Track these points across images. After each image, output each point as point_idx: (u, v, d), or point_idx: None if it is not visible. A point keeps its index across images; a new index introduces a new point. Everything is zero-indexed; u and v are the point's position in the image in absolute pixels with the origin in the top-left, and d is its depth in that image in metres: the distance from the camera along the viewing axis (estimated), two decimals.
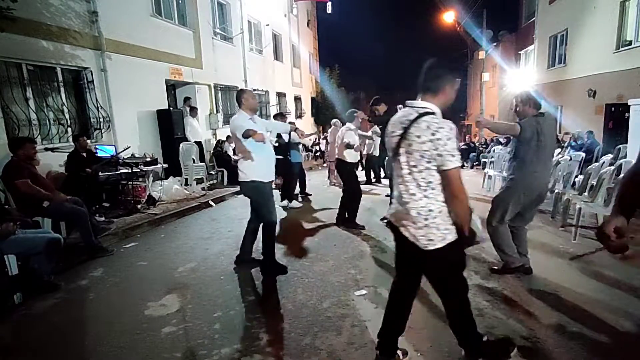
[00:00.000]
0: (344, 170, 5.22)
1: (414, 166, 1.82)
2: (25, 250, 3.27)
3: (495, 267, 3.47)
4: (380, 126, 5.70)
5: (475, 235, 1.91)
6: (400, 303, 2.21)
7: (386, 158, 7.20)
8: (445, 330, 2.56)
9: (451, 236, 1.87)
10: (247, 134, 3.26)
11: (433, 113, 1.84)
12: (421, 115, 1.80)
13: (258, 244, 3.77)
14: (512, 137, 3.27)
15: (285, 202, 6.62)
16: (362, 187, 8.50)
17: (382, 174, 9.09)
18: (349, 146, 5.05)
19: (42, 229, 3.89)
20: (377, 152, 8.59)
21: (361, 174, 10.57)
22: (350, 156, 5.14)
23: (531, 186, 3.16)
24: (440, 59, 1.94)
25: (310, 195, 7.43)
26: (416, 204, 1.85)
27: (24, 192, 3.86)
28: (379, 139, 8.48)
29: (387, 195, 7.36)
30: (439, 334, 2.52)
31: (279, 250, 4.39)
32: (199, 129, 8.98)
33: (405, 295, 2.20)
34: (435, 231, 1.85)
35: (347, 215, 5.16)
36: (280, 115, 6.84)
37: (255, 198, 3.61)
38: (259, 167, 3.47)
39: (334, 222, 5.27)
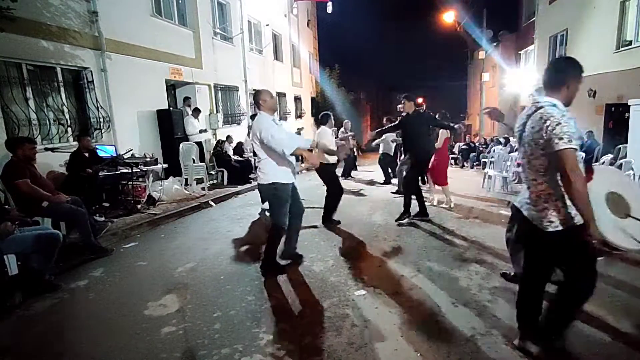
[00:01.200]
0: (323, 172, 5.24)
1: (532, 154, 2.02)
2: (24, 249, 3.26)
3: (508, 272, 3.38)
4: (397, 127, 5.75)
5: (592, 227, 1.82)
6: (535, 288, 2.28)
7: (400, 158, 7.28)
8: (445, 330, 2.57)
9: (576, 220, 1.94)
10: (296, 153, 3.36)
11: (553, 105, 1.96)
12: (538, 108, 1.98)
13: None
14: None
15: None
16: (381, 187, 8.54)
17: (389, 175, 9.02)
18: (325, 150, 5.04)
19: (41, 226, 3.89)
20: (392, 152, 8.57)
21: (363, 174, 10.60)
22: (328, 157, 5.15)
23: None
24: (561, 57, 2.10)
25: None
26: (536, 188, 2.03)
27: (24, 192, 3.86)
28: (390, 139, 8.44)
29: (392, 193, 7.35)
30: (439, 333, 2.53)
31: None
32: (199, 129, 8.97)
33: (538, 281, 2.29)
34: (555, 214, 1.97)
35: (327, 213, 5.22)
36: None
37: (271, 200, 3.60)
38: (279, 169, 3.46)
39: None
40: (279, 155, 3.37)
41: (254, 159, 7.40)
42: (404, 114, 5.21)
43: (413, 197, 5.25)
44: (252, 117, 6.80)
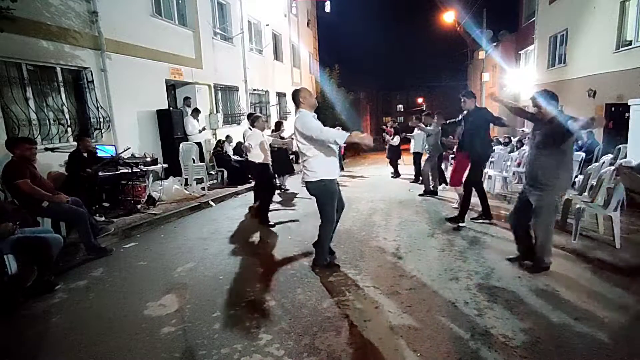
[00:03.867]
0: (254, 171, 5.48)
1: None
2: (24, 250, 3.26)
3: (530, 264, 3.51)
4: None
5: None
6: None
7: (426, 157, 7.31)
8: (445, 330, 2.57)
9: None
10: (350, 140, 3.27)
11: None
12: None
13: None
14: (564, 139, 3.21)
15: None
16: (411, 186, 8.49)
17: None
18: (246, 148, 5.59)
19: (42, 227, 3.89)
20: (421, 150, 8.46)
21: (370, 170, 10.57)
22: (257, 157, 5.51)
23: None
24: None
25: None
26: None
27: (25, 192, 3.86)
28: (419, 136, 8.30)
29: (420, 195, 7.24)
30: (439, 333, 2.53)
31: (279, 250, 4.40)
32: (199, 129, 8.97)
33: None
34: None
35: (261, 212, 5.54)
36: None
37: (321, 197, 3.56)
38: (326, 165, 3.46)
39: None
40: (326, 151, 3.40)
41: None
42: (465, 111, 5.08)
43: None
44: (249, 116, 6.87)
